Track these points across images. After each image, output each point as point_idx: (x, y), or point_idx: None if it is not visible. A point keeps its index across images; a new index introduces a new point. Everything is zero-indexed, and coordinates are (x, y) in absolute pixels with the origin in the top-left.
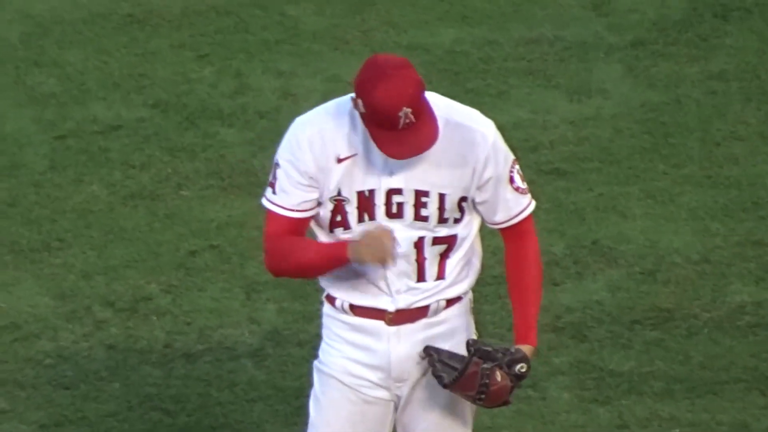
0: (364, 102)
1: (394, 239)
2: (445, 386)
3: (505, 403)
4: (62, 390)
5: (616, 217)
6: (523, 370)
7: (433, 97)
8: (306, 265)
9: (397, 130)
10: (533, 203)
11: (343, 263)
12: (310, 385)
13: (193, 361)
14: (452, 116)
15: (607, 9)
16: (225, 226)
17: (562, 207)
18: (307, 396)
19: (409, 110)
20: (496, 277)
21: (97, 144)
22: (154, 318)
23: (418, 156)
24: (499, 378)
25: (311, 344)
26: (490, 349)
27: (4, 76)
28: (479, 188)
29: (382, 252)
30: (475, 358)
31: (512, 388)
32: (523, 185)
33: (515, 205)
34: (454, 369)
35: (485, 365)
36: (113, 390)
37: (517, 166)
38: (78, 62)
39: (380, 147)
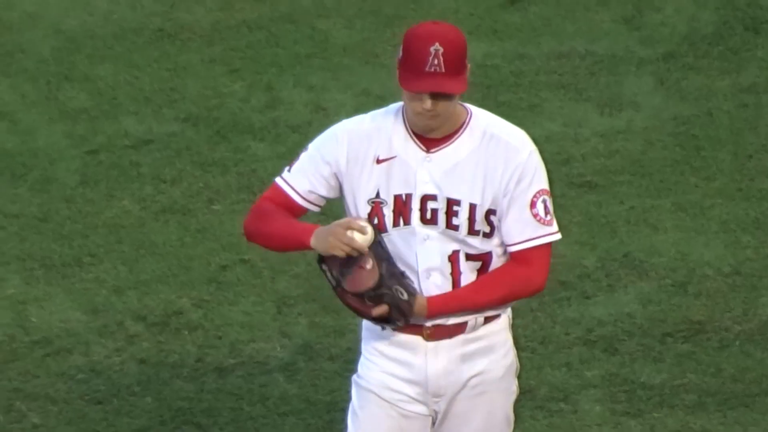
0: (403, 44)
1: (360, 227)
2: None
3: (369, 304)
4: (94, 405)
5: (647, 230)
6: (403, 296)
7: (476, 111)
8: (271, 235)
9: (423, 72)
10: (553, 237)
11: (305, 247)
12: (343, 399)
13: (224, 376)
14: (491, 129)
15: (638, 22)
16: None
17: (594, 220)
18: (340, 410)
19: (440, 49)
20: None
21: (129, 158)
22: (186, 332)
23: (453, 163)
24: (369, 265)
25: (343, 358)
26: (384, 247)
27: (35, 91)
28: (501, 200)
29: (338, 240)
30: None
31: (388, 305)
32: (546, 217)
33: (531, 230)
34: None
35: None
36: (145, 405)
37: (545, 198)
38: (109, 77)
39: (402, 83)
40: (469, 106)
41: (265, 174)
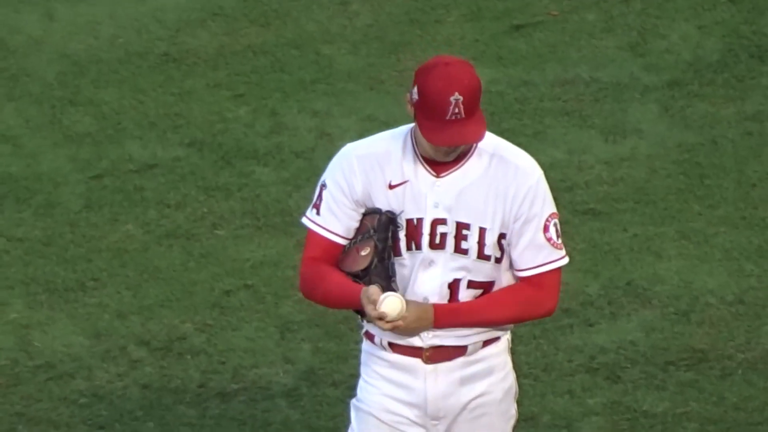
0: (418, 88)
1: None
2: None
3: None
4: (97, 430)
5: (650, 258)
6: (394, 276)
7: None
8: (330, 297)
9: (444, 120)
10: (564, 260)
11: (358, 306)
12: (345, 425)
13: (227, 401)
14: (500, 152)
15: (642, 50)
16: (260, 266)
17: (597, 247)
18: None
19: (460, 98)
20: None
21: (133, 183)
22: (189, 357)
23: (462, 187)
24: (364, 252)
25: (346, 384)
26: (387, 247)
27: (40, 115)
28: (513, 224)
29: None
30: (382, 217)
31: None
32: (557, 240)
33: (545, 255)
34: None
35: (373, 234)
36: (148, 430)
37: (556, 221)
38: (114, 101)
39: (424, 133)
40: None
41: (269, 199)
